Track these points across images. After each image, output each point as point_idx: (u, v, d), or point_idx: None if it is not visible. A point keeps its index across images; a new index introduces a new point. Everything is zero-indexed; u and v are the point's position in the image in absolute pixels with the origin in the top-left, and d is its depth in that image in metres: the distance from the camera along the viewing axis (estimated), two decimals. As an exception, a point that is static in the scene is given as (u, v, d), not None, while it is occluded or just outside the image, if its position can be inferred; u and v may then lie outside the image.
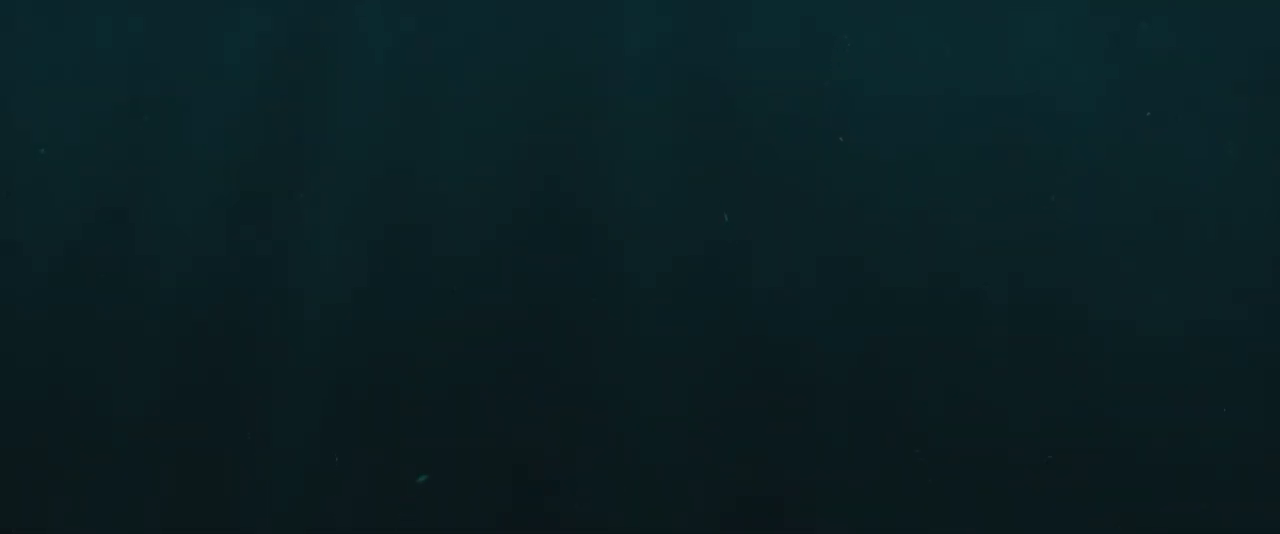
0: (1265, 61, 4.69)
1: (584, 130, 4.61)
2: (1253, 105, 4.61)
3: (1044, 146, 4.55)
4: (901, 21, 4.83)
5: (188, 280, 4.33)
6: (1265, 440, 4.03)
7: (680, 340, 4.21)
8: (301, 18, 4.86)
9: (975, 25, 4.81)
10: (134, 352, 4.21)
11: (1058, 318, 4.24)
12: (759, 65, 4.73)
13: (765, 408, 4.10)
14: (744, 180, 4.49)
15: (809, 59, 4.74)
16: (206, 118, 4.65)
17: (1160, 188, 4.47)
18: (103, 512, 3.95)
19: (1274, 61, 4.70)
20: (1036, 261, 4.34)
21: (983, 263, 4.34)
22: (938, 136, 4.58)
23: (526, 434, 4.06)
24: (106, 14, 4.86)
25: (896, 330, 4.21)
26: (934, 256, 4.35)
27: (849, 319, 4.24)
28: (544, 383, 4.14)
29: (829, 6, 4.87)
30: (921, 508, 3.96)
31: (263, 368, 4.18)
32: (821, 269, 4.32)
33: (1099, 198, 4.45)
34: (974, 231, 4.40)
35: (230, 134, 4.61)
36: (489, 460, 4.03)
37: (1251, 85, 4.64)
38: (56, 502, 3.97)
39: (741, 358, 4.18)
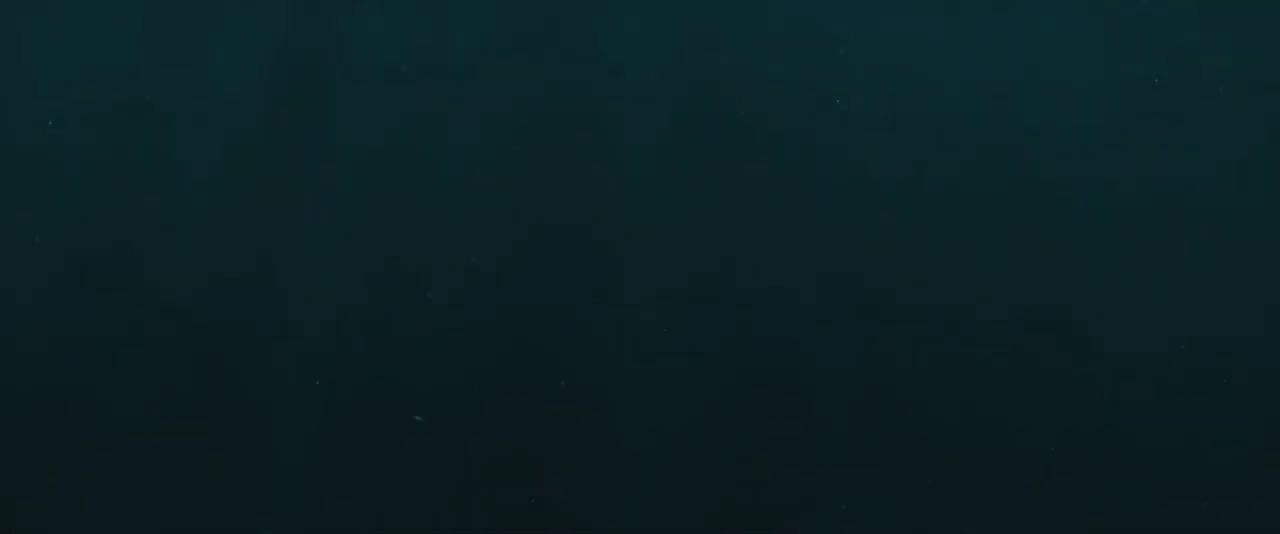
0: (1266, 61, 4.69)
1: (585, 140, 4.61)
2: (1253, 105, 4.61)
3: (1044, 152, 4.55)
4: (901, 25, 4.83)
5: (188, 281, 4.33)
6: (1265, 444, 4.04)
7: (680, 351, 4.21)
8: (302, 24, 4.86)
9: (975, 27, 4.81)
10: (134, 352, 4.21)
11: (1058, 319, 4.24)
12: (759, 77, 4.73)
13: (765, 418, 4.10)
14: (743, 192, 4.49)
15: (809, 70, 4.74)
16: (207, 119, 4.65)
17: (1160, 192, 4.47)
18: (103, 512, 3.95)
19: (1274, 62, 4.70)
20: (1036, 266, 4.34)
21: (982, 268, 4.34)
22: (937, 145, 4.58)
23: (526, 438, 4.07)
24: (106, 14, 4.86)
25: (897, 341, 4.21)
26: (934, 266, 4.35)
27: (849, 330, 4.24)
28: (544, 388, 4.15)
29: (829, 16, 4.87)
30: (921, 508, 3.96)
31: (263, 369, 4.18)
32: (821, 281, 4.32)
33: (1099, 203, 4.45)
34: (973, 239, 4.40)
35: (230, 136, 4.61)
36: (488, 464, 4.03)
37: (1253, 85, 4.64)
38: (56, 502, 3.97)
39: (741, 370, 4.18)
